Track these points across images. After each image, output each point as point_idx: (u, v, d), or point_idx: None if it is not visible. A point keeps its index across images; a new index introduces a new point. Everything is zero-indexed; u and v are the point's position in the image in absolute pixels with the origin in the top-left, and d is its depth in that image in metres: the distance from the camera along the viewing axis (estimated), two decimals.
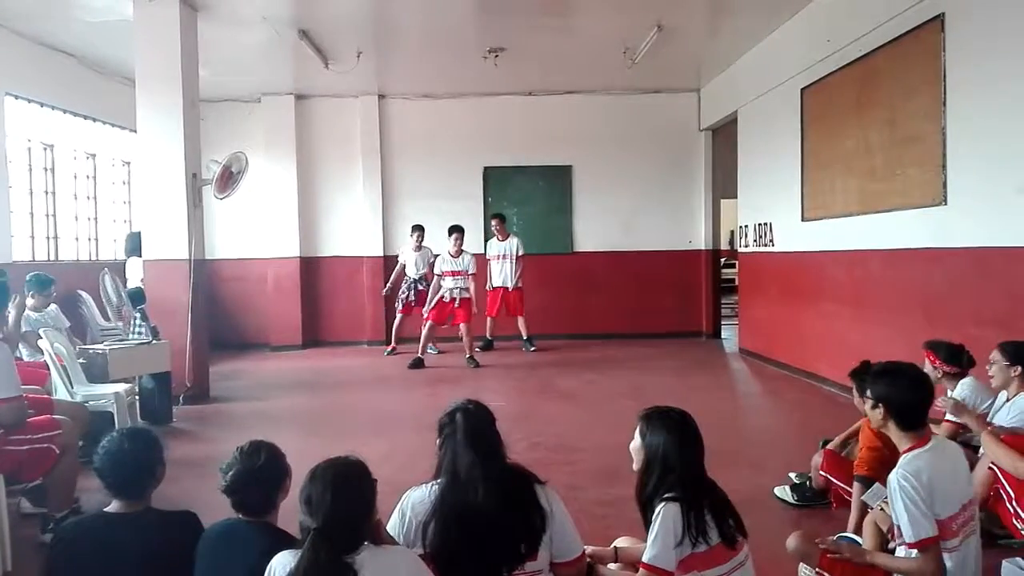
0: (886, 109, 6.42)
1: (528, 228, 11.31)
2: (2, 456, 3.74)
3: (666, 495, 2.43)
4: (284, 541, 2.17)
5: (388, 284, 10.63)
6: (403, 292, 10.14)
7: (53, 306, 6.35)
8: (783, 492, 4.35)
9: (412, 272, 10.11)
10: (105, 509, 2.44)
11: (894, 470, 2.62)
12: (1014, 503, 3.38)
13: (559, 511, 2.45)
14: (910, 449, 2.66)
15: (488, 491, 2.35)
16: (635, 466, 2.54)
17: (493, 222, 10.52)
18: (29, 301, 5.91)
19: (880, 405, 2.72)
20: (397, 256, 10.63)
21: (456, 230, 9.54)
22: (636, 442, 2.53)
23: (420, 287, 10.01)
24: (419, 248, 10.14)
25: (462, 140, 11.50)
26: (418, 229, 10.21)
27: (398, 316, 10.21)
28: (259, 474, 2.31)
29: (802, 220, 8.12)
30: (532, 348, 10.28)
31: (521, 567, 2.36)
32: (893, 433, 2.74)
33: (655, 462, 2.47)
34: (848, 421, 4.32)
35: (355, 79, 10.26)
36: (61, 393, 5.16)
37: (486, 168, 11.60)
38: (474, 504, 2.35)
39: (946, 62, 5.53)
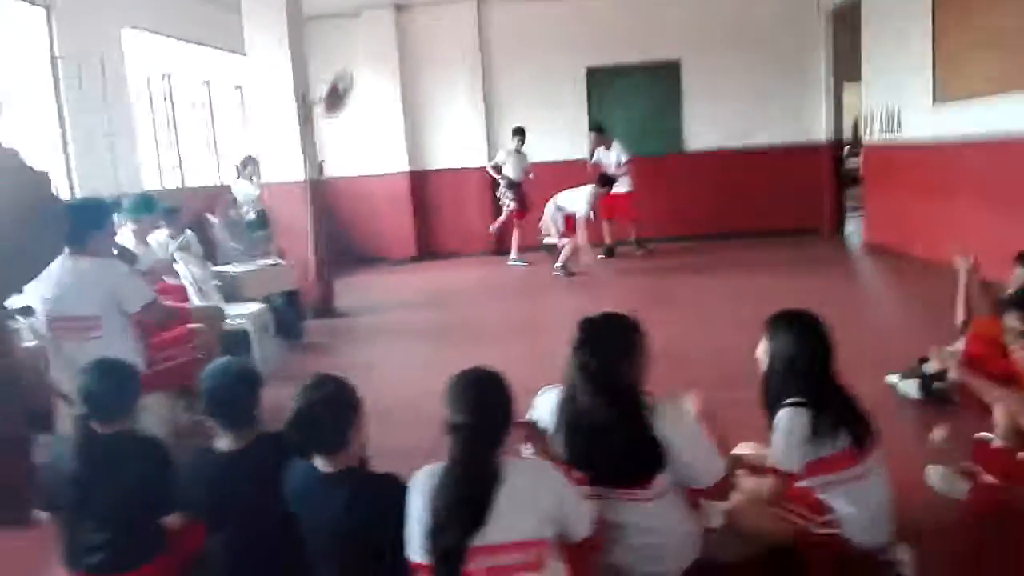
0: None
1: (635, 129, 10.95)
2: (161, 374, 4.05)
3: (790, 400, 2.40)
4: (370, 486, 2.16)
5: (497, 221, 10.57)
6: (507, 199, 10.10)
7: (188, 232, 6.59)
8: (907, 386, 4.12)
9: (512, 174, 10.03)
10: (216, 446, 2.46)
11: None
12: None
13: (686, 435, 2.33)
14: None
15: (598, 407, 2.29)
16: (762, 370, 2.52)
17: (592, 135, 10.23)
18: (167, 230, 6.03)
19: None
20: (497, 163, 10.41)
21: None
22: (763, 346, 2.50)
23: (516, 191, 9.98)
24: (519, 152, 10.04)
25: (564, 41, 11.14)
26: (519, 132, 10.09)
27: (512, 223, 10.16)
28: (325, 408, 2.13)
29: (933, 103, 7.53)
30: (647, 248, 10.13)
31: (637, 489, 2.30)
32: None
33: (781, 366, 2.45)
34: None
35: None
36: None
37: (589, 68, 11.27)
38: (585, 418, 2.31)
39: None
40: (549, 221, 9.32)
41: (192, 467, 2.50)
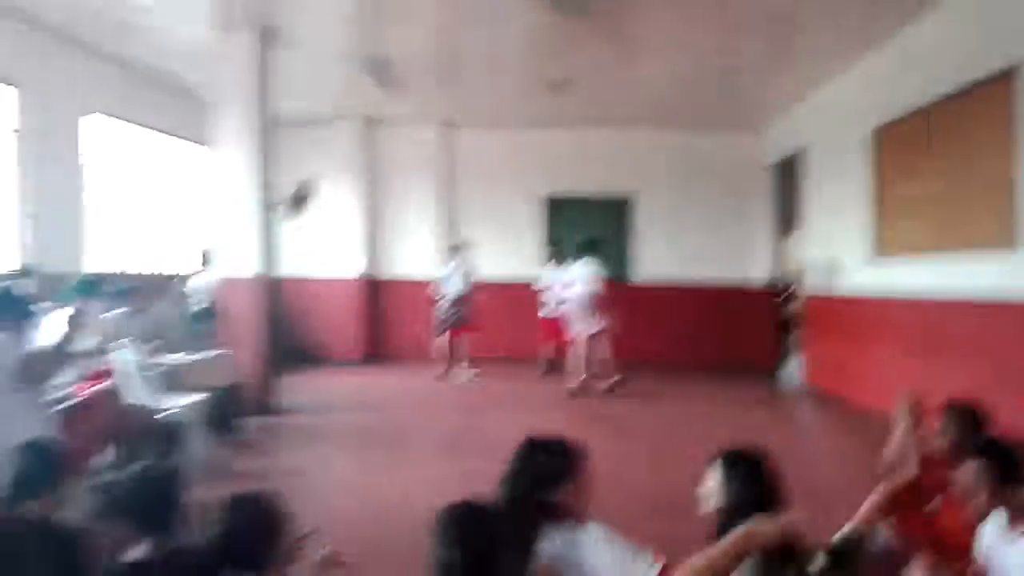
0: (958, 151, 6.36)
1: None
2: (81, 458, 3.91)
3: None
4: None
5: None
6: (447, 312, 10.18)
7: (156, 306, 6.50)
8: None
9: (453, 290, 10.15)
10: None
11: None
12: None
13: (607, 551, 2.30)
14: None
15: (518, 529, 2.19)
16: (708, 508, 2.49)
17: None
18: (124, 309, 5.97)
19: None
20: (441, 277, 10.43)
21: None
22: (712, 484, 2.49)
23: (461, 305, 10.10)
24: (459, 266, 10.23)
25: (525, 169, 11.71)
26: (456, 248, 10.33)
27: (445, 337, 10.24)
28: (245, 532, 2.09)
29: (871, 258, 8.03)
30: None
31: None
32: None
33: (738, 507, 2.40)
34: None
35: (423, 107, 10.61)
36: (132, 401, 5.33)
37: (547, 197, 11.77)
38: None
39: (1019, 109, 5.48)
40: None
41: None
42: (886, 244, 7.73)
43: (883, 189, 7.78)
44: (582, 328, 9.12)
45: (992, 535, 2.73)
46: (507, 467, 2.40)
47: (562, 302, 9.76)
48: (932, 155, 6.79)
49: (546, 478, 2.35)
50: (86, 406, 4.16)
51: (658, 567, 2.28)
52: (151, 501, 2.28)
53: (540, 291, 10.43)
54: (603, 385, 9.06)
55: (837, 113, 8.92)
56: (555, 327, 10.09)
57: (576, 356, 9.15)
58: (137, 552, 2.24)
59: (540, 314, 10.43)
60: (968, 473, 2.70)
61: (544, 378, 10.14)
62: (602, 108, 10.70)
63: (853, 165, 8.34)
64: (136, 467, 2.41)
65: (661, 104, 10.34)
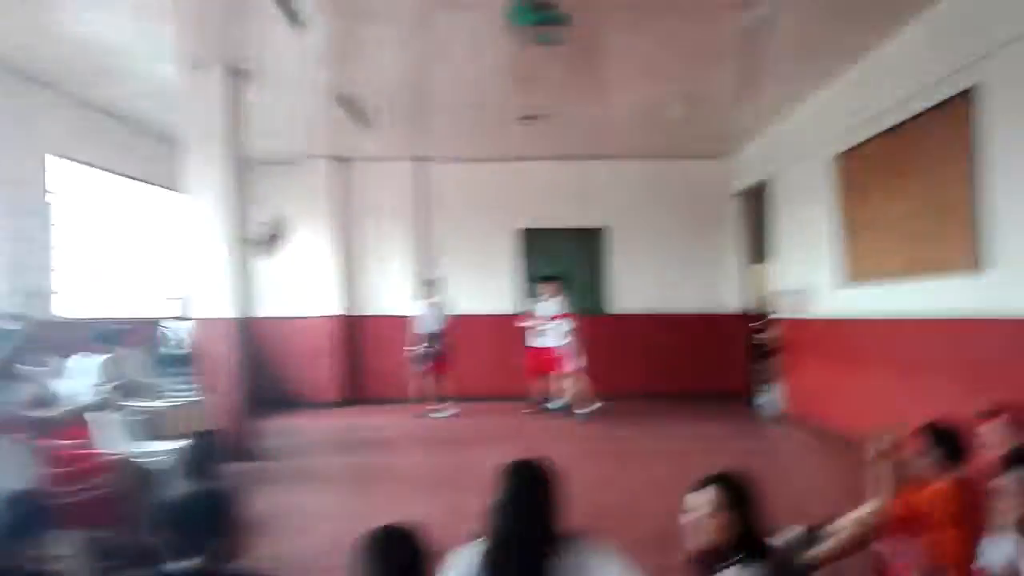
0: (922, 176, 6.53)
1: (563, 289, 11.39)
2: (64, 509, 3.84)
3: (739, 557, 2.42)
4: None
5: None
6: (424, 348, 10.17)
7: (134, 351, 6.37)
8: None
9: (426, 327, 10.18)
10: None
11: None
12: None
13: (614, 564, 2.37)
14: None
15: (524, 558, 2.29)
16: (703, 539, 2.46)
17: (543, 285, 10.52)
18: (110, 355, 5.86)
19: None
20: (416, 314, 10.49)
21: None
22: (705, 510, 2.48)
23: (436, 343, 10.11)
24: (432, 304, 10.26)
25: (498, 202, 11.79)
26: (429, 283, 10.39)
27: (420, 374, 10.23)
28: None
29: (839, 285, 8.17)
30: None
31: None
32: None
33: (738, 529, 2.44)
34: None
35: (394, 143, 10.68)
36: (110, 449, 5.24)
37: (520, 230, 11.86)
38: (507, 570, 2.29)
39: (979, 131, 5.66)
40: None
41: None
42: (856, 269, 7.86)
43: (850, 214, 7.94)
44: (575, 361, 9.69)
45: (1007, 549, 2.76)
46: (496, 496, 2.41)
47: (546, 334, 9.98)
48: (896, 179, 6.96)
49: (538, 502, 2.39)
50: (70, 461, 4.08)
51: None
52: (203, 518, 2.38)
53: (528, 323, 10.41)
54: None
55: (802, 139, 9.11)
56: (543, 359, 10.10)
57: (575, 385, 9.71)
58: (187, 565, 2.34)
59: (529, 344, 10.33)
60: (1013, 482, 2.74)
61: (531, 413, 10.09)
62: (574, 140, 10.84)
63: (820, 191, 8.51)
64: (193, 486, 2.61)
65: (632, 134, 10.50)
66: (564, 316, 9.97)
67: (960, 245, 5.95)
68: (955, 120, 5.97)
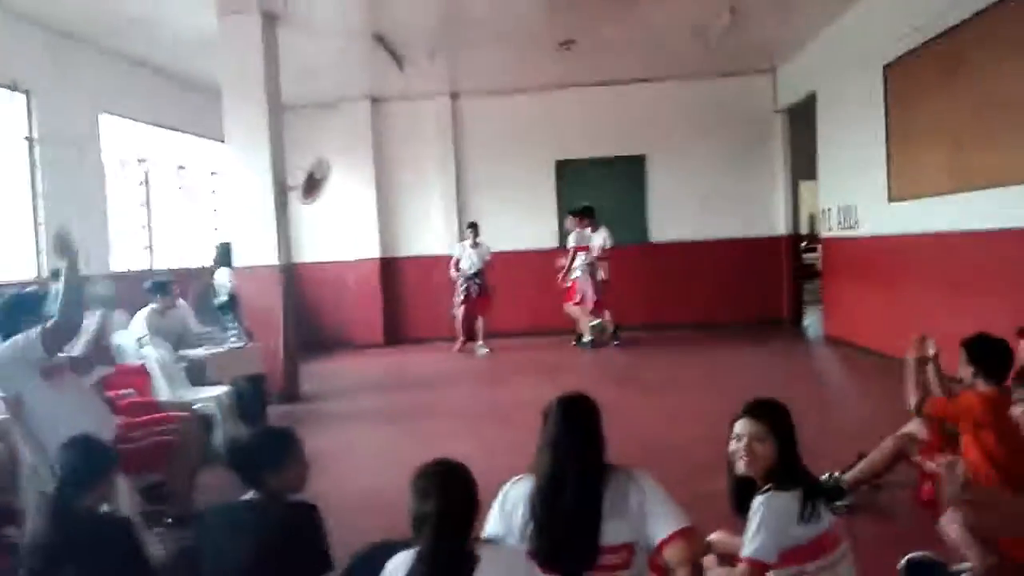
0: (977, 81, 6.15)
1: (602, 221, 11.18)
2: (125, 453, 3.95)
3: (768, 486, 2.42)
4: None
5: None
6: (461, 287, 10.21)
7: (181, 302, 6.56)
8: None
9: (467, 267, 10.19)
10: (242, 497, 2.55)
11: None
12: None
13: (652, 499, 2.38)
14: None
15: (576, 491, 2.30)
16: (744, 467, 2.47)
17: (572, 219, 10.30)
18: (154, 306, 6.06)
19: None
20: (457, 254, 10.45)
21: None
22: (746, 439, 2.47)
23: (478, 282, 10.14)
24: (475, 245, 10.25)
25: (534, 135, 11.56)
26: (473, 226, 10.33)
27: (460, 311, 10.27)
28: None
29: (888, 201, 7.86)
30: (617, 337, 10.15)
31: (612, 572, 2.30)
32: None
33: (781, 455, 2.44)
34: None
35: (428, 80, 10.53)
36: (164, 396, 5.41)
37: (558, 161, 11.65)
38: (561, 505, 2.30)
39: None
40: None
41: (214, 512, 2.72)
42: (905, 185, 7.54)
43: (900, 127, 7.57)
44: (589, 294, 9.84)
45: None
46: (545, 431, 2.42)
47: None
48: (949, 86, 6.57)
49: (589, 434, 2.41)
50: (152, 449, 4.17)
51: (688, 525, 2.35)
52: (260, 455, 2.54)
53: (563, 261, 10.30)
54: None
55: (852, 48, 8.60)
56: (571, 293, 10.08)
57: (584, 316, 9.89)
58: (247, 497, 2.52)
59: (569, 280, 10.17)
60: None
61: (576, 347, 10.07)
62: (609, 66, 10.52)
63: (869, 103, 8.11)
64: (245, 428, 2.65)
65: (673, 54, 10.11)
66: (582, 249, 9.93)
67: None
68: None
